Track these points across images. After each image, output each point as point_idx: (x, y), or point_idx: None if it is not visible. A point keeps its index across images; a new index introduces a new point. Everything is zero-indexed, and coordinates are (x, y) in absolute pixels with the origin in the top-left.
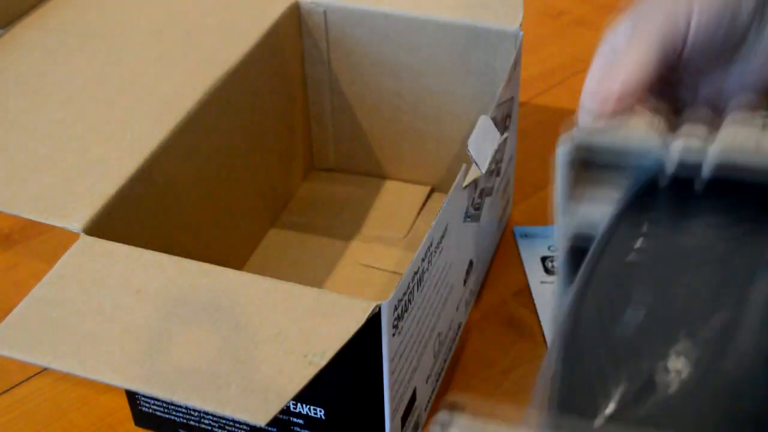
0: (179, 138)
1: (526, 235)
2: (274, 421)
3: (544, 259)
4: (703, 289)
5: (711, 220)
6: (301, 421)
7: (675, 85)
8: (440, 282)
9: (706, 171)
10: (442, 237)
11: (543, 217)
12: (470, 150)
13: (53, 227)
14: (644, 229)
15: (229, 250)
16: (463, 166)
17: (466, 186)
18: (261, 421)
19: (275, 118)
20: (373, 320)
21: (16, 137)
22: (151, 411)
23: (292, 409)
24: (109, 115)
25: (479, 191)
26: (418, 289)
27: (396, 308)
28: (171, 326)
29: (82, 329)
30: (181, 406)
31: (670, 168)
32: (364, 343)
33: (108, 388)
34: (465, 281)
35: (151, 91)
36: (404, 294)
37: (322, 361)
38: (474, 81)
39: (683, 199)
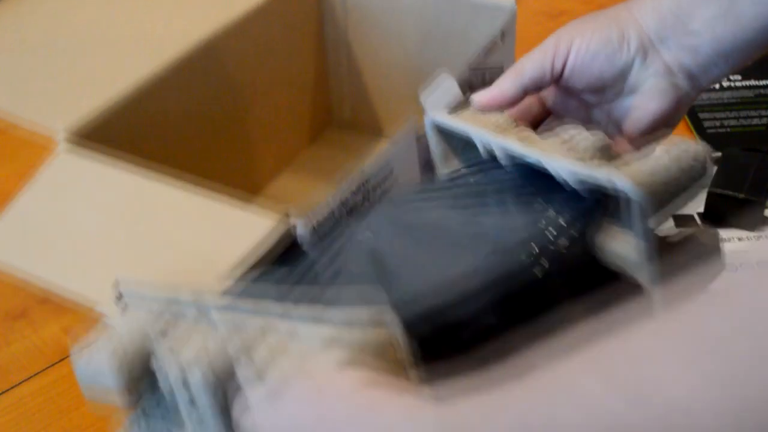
0: (186, 68)
1: None
2: None
3: None
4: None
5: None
6: None
7: (589, 108)
8: None
9: (500, 157)
10: (386, 179)
11: None
12: (421, 101)
13: None
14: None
15: (239, 186)
16: (414, 116)
17: (420, 138)
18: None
19: (289, 71)
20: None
21: (30, 54)
22: None
23: None
24: (125, 42)
25: None
26: (349, 217)
27: (316, 230)
28: (115, 232)
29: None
30: None
31: (483, 152)
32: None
33: None
34: None
35: (162, 26)
36: (326, 219)
37: (237, 272)
38: (475, 52)
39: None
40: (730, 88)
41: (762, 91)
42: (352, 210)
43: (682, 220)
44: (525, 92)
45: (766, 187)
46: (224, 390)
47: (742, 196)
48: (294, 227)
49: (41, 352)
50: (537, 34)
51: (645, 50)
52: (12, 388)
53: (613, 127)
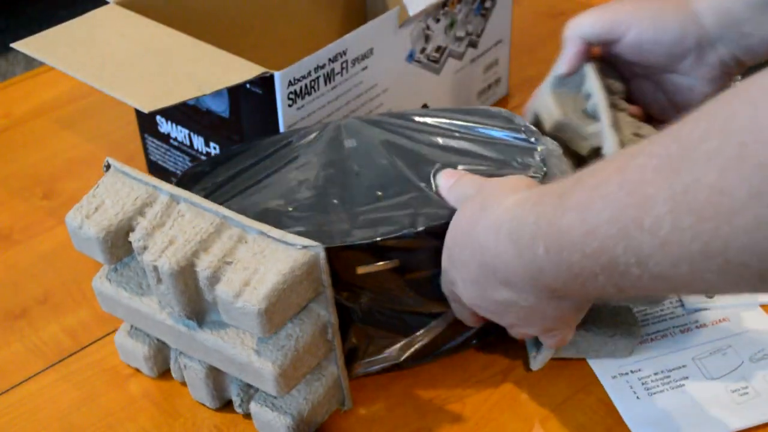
0: None
1: None
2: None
3: None
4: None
5: None
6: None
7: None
8: (370, 99)
9: None
10: (365, 57)
11: None
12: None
13: (53, 228)
14: None
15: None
16: (398, 7)
17: (402, 25)
18: (145, 108)
19: None
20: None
21: None
22: (155, 160)
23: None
24: None
25: (434, 46)
26: (325, 84)
27: (292, 83)
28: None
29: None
30: (170, 157)
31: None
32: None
33: (108, 389)
34: None
35: None
36: (303, 77)
37: (208, 90)
38: None
39: None
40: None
41: None
42: (328, 76)
43: None
44: (586, 42)
45: None
46: (185, 276)
47: None
48: (269, 74)
49: (41, 352)
50: (537, 34)
51: (702, 47)
52: (12, 388)
53: (662, 96)
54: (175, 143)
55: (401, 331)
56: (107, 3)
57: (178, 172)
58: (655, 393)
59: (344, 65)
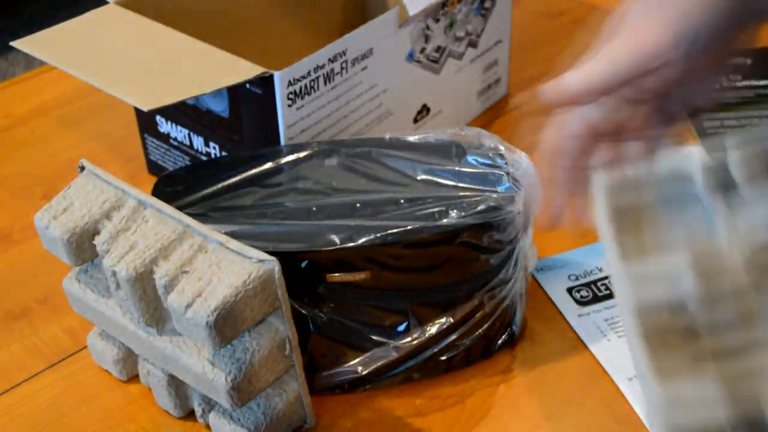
0: None
1: (542, 269)
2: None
3: (570, 290)
4: None
5: None
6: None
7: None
8: (369, 100)
9: None
10: (365, 57)
11: (556, 246)
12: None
13: None
14: None
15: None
16: (398, 7)
17: (402, 25)
18: (145, 106)
19: None
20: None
21: None
22: (155, 160)
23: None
24: None
25: (434, 46)
26: (325, 85)
27: (291, 83)
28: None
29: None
30: (170, 157)
31: None
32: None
33: (107, 389)
34: (415, 120)
35: None
36: (303, 77)
37: (208, 90)
38: None
39: None
40: (730, 88)
41: (762, 91)
42: (328, 76)
43: None
44: (621, 81)
45: None
46: (143, 283)
47: None
48: (269, 74)
49: (41, 352)
50: (537, 34)
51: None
52: (12, 388)
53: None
54: (175, 143)
55: (361, 344)
56: (107, 3)
57: None
58: None
59: (344, 65)
